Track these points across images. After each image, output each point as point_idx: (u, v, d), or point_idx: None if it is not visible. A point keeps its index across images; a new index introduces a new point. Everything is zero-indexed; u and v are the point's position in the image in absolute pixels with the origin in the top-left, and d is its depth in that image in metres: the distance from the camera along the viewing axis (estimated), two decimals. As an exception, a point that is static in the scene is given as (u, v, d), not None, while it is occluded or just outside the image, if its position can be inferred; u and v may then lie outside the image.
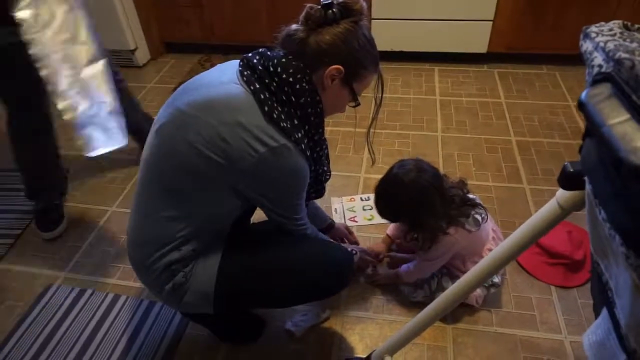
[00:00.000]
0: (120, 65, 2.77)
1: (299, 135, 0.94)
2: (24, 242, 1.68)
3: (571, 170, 0.57)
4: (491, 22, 2.40)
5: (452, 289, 0.91)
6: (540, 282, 1.43)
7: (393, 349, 1.11)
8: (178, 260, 1.00)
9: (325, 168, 1.15)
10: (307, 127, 0.98)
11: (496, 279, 1.33)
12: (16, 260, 1.61)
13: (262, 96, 0.90)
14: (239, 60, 0.97)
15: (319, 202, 1.33)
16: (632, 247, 0.32)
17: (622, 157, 0.29)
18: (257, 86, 0.90)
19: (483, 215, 1.26)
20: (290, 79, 0.91)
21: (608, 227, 0.36)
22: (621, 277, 0.37)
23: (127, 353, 1.30)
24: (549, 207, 0.70)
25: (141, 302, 1.44)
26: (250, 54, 0.97)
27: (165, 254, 0.99)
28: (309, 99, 0.94)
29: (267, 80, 0.91)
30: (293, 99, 0.92)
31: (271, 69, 0.91)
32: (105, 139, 1.37)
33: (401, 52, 2.61)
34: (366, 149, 2.02)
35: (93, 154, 1.36)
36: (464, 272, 0.93)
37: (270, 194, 0.99)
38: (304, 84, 0.92)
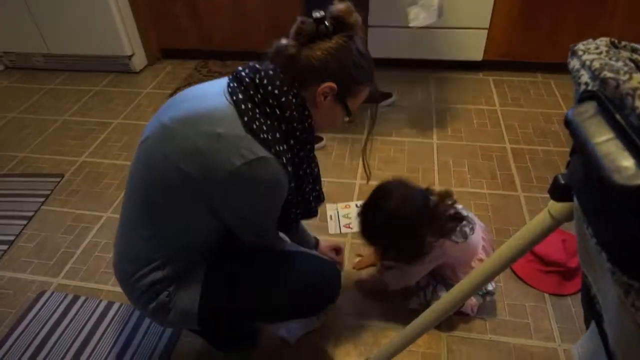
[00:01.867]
0: (116, 71, 2.79)
1: (281, 148, 0.90)
2: (17, 248, 1.68)
3: (562, 182, 0.57)
4: (486, 31, 2.42)
5: (447, 297, 0.91)
6: (534, 290, 1.44)
7: (387, 357, 1.11)
8: (160, 280, 0.99)
9: (311, 187, 1.11)
10: (292, 141, 0.95)
11: (490, 287, 1.33)
12: (9, 266, 1.60)
13: (243, 106, 0.87)
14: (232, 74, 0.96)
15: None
16: (616, 264, 0.33)
17: (605, 176, 0.30)
18: (240, 97, 0.88)
19: (470, 226, 1.26)
20: (276, 91, 0.89)
21: (594, 242, 0.36)
22: (609, 292, 0.38)
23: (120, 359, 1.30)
24: (542, 217, 0.71)
25: (134, 310, 1.43)
26: (240, 67, 0.95)
27: (147, 273, 0.99)
28: (295, 113, 0.91)
29: (251, 92, 0.89)
30: (277, 112, 0.90)
31: (257, 80, 0.89)
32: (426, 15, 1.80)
33: (397, 60, 2.62)
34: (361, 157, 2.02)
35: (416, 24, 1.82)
36: (456, 282, 0.93)
37: (244, 207, 0.94)
38: (290, 97, 0.90)
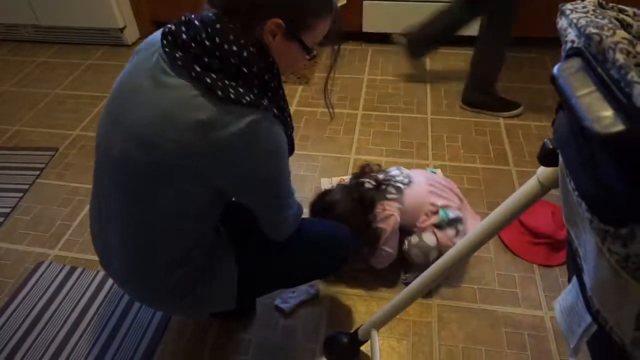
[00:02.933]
0: (108, 44, 2.75)
1: (266, 102, 0.82)
2: (13, 220, 1.68)
3: (550, 146, 0.59)
4: (483, 5, 2.39)
5: (435, 266, 0.94)
6: (523, 261, 1.47)
7: (379, 324, 1.14)
8: (189, 271, 0.96)
9: (293, 128, 1.02)
10: (269, 94, 0.86)
11: (453, 215, 1.36)
12: (6, 238, 1.62)
13: (208, 80, 0.76)
14: (159, 37, 0.81)
15: (309, 182, 1.34)
16: (595, 212, 0.35)
17: (587, 125, 0.31)
18: (198, 70, 0.77)
19: (401, 179, 1.37)
20: (234, 48, 0.77)
21: (576, 195, 0.38)
22: (588, 243, 0.39)
23: (117, 331, 1.32)
24: (530, 183, 0.73)
25: (132, 280, 1.45)
26: (172, 27, 0.80)
27: (172, 270, 0.95)
28: (262, 64, 0.81)
29: (206, 59, 0.77)
30: (245, 70, 0.79)
31: (207, 42, 0.76)
32: None
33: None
34: (356, 130, 2.03)
35: None
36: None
37: (263, 178, 0.87)
38: (251, 49, 0.78)
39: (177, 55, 0.78)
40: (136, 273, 0.97)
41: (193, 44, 0.77)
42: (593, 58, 0.34)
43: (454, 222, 1.36)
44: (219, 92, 0.76)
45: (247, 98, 0.78)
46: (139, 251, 0.93)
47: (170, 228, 0.90)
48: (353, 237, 1.17)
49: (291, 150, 1.04)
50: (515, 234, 1.53)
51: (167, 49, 0.79)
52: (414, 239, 1.35)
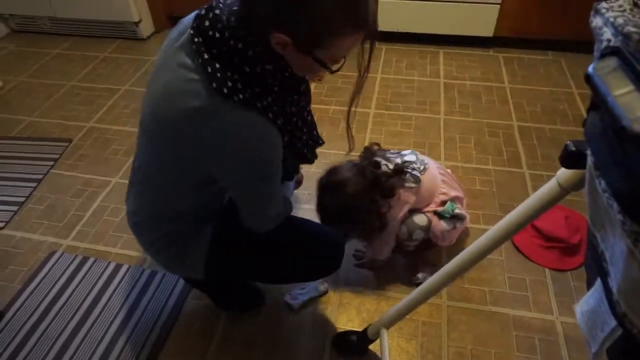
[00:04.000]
0: (123, 37, 2.76)
1: (264, 103, 0.82)
2: (28, 209, 1.70)
3: (573, 148, 0.58)
4: (498, 6, 2.38)
5: (447, 267, 0.93)
6: (535, 265, 1.46)
7: (389, 323, 1.14)
8: (170, 232, 1.03)
9: (306, 137, 1.03)
10: (272, 96, 0.84)
11: (459, 211, 1.35)
12: (19, 227, 1.63)
13: (209, 69, 0.77)
14: (193, 19, 0.82)
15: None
16: (628, 212, 0.34)
17: (625, 125, 0.31)
18: (206, 57, 0.78)
19: (419, 166, 1.33)
20: (240, 45, 0.77)
21: (607, 197, 0.38)
22: (617, 246, 0.39)
23: (128, 320, 1.33)
24: (549, 186, 0.72)
25: (143, 272, 1.46)
26: (203, 11, 0.80)
27: (160, 225, 1.03)
28: (267, 66, 0.81)
29: (214, 51, 0.78)
30: (247, 69, 0.79)
31: (217, 34, 0.77)
32: None
33: (407, 33, 2.59)
34: (368, 128, 2.02)
35: None
36: None
37: (247, 176, 0.89)
38: (257, 49, 0.78)
39: (196, 39, 0.79)
40: (134, 214, 1.07)
41: (210, 33, 0.78)
42: (632, 56, 0.33)
43: (455, 219, 1.35)
44: (214, 84, 0.77)
45: (241, 96, 0.78)
46: (142, 197, 1.04)
47: (172, 188, 0.97)
48: (343, 245, 1.17)
49: (303, 158, 1.07)
50: (526, 236, 1.52)
51: (192, 31, 0.80)
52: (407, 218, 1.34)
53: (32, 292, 1.42)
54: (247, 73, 0.79)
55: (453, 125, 2.04)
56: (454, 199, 1.36)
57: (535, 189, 1.74)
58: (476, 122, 2.06)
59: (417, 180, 1.30)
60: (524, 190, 1.72)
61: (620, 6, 0.38)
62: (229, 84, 0.78)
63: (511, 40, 2.53)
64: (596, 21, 0.40)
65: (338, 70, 0.82)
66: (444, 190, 1.35)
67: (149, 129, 0.92)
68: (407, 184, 1.29)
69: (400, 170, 1.29)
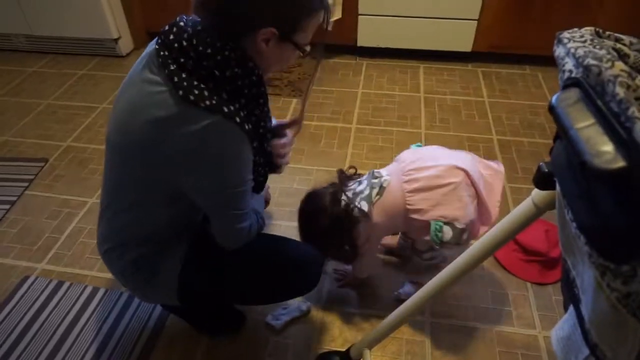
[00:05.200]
0: (102, 55, 2.73)
1: (231, 108, 0.83)
2: (0, 232, 1.65)
3: (546, 170, 0.58)
4: (476, 22, 2.43)
5: (429, 285, 0.92)
6: (517, 279, 1.47)
7: (372, 343, 1.13)
8: (142, 256, 1.01)
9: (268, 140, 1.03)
10: (243, 100, 0.86)
11: (450, 238, 1.14)
12: (-8, 251, 1.58)
13: (176, 79, 0.80)
14: (156, 39, 0.87)
15: (302, 195, 1.33)
16: (594, 246, 0.34)
17: (586, 160, 0.30)
18: (172, 68, 0.81)
19: (367, 194, 1.18)
20: (209, 51, 0.80)
21: (574, 227, 0.37)
22: (586, 274, 0.39)
23: (105, 345, 1.29)
24: (525, 205, 0.72)
25: (121, 295, 1.42)
26: (167, 27, 0.84)
27: (128, 250, 1.01)
28: (236, 70, 0.83)
29: (182, 60, 0.80)
30: (217, 73, 0.81)
31: (184, 43, 0.80)
32: None
33: (387, 49, 2.62)
34: (350, 143, 2.03)
35: None
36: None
37: (214, 182, 0.88)
38: (227, 53, 0.81)
39: (161, 53, 0.82)
40: (105, 240, 1.04)
41: (176, 45, 0.81)
42: (592, 90, 0.33)
43: (451, 241, 1.14)
44: (180, 92, 0.80)
45: (207, 102, 0.80)
46: (113, 221, 1.01)
47: (143, 206, 0.96)
48: (321, 263, 1.15)
49: (276, 168, 1.07)
50: (507, 250, 1.53)
51: (157, 46, 0.84)
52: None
53: (4, 319, 1.36)
54: (217, 77, 0.82)
55: (434, 139, 2.06)
56: (436, 220, 1.14)
57: (515, 201, 1.77)
58: (456, 136, 2.08)
59: (362, 213, 1.16)
60: (505, 203, 1.73)
61: (581, 36, 0.38)
62: (196, 91, 0.80)
63: (489, 55, 2.58)
64: (559, 51, 0.40)
65: (309, 52, 0.90)
66: (409, 207, 1.17)
67: (116, 145, 0.92)
68: (357, 216, 1.17)
69: (346, 211, 1.17)
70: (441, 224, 1.14)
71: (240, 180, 0.91)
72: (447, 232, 1.14)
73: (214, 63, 0.81)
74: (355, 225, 1.19)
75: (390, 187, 1.19)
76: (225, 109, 0.82)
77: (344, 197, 1.20)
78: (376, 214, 1.19)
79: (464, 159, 1.23)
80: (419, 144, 1.41)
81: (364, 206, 1.17)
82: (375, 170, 1.26)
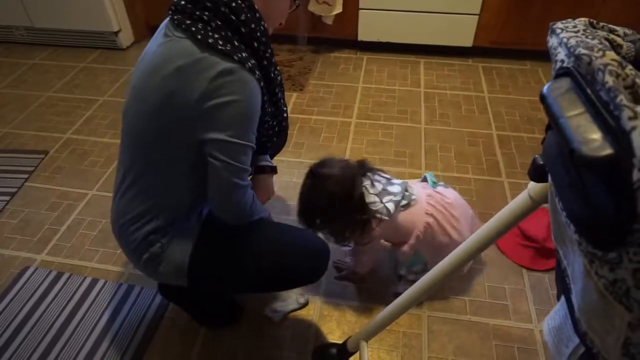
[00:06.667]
0: (103, 47, 2.73)
1: (244, 55, 0.91)
2: (0, 223, 1.66)
3: (541, 162, 0.59)
4: (477, 16, 2.42)
5: (426, 278, 0.93)
6: (514, 273, 1.47)
7: (369, 335, 1.13)
8: (155, 231, 1.01)
9: (281, 94, 1.10)
10: (255, 44, 0.95)
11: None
12: (-8, 242, 1.59)
13: (193, 29, 0.88)
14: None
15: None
16: (583, 234, 0.34)
17: (575, 147, 0.31)
18: (188, 22, 0.89)
19: (397, 199, 1.22)
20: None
21: (564, 215, 0.38)
22: (576, 263, 0.39)
23: (104, 336, 1.30)
24: (521, 198, 0.73)
25: (120, 286, 1.43)
26: None
27: (142, 225, 1.01)
28: (249, 15, 0.92)
29: (197, 13, 0.89)
30: (233, 18, 0.90)
31: (197, 3, 0.89)
32: None
33: (388, 43, 2.61)
34: (350, 138, 2.03)
35: None
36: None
37: (225, 127, 0.91)
38: (239, 1, 0.90)
39: (176, 17, 0.90)
40: (120, 215, 1.04)
41: (189, 5, 0.89)
42: (582, 79, 0.33)
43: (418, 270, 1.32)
44: (199, 36, 0.87)
45: (226, 47, 0.88)
46: (133, 187, 1.01)
47: (165, 171, 0.98)
48: (328, 253, 1.15)
49: (284, 130, 1.15)
50: (508, 233, 1.53)
51: (170, 13, 0.92)
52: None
53: (4, 309, 1.37)
54: (233, 23, 0.89)
55: (434, 134, 2.06)
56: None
57: (513, 196, 1.77)
58: (456, 131, 2.08)
59: (387, 212, 1.21)
60: (503, 198, 1.73)
61: (574, 27, 0.39)
62: (215, 35, 0.88)
63: (490, 50, 2.57)
64: (552, 41, 0.40)
65: (299, 4, 1.07)
66: (427, 219, 1.25)
67: (134, 110, 0.96)
68: (377, 214, 1.21)
69: (362, 195, 1.21)
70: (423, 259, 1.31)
71: (247, 125, 0.94)
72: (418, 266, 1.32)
73: (230, 9, 0.89)
74: (367, 215, 1.21)
75: (415, 207, 1.26)
76: (239, 55, 0.89)
77: (367, 182, 1.24)
78: (389, 222, 1.24)
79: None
80: (434, 180, 1.43)
81: (391, 207, 1.22)
82: (409, 185, 1.31)
